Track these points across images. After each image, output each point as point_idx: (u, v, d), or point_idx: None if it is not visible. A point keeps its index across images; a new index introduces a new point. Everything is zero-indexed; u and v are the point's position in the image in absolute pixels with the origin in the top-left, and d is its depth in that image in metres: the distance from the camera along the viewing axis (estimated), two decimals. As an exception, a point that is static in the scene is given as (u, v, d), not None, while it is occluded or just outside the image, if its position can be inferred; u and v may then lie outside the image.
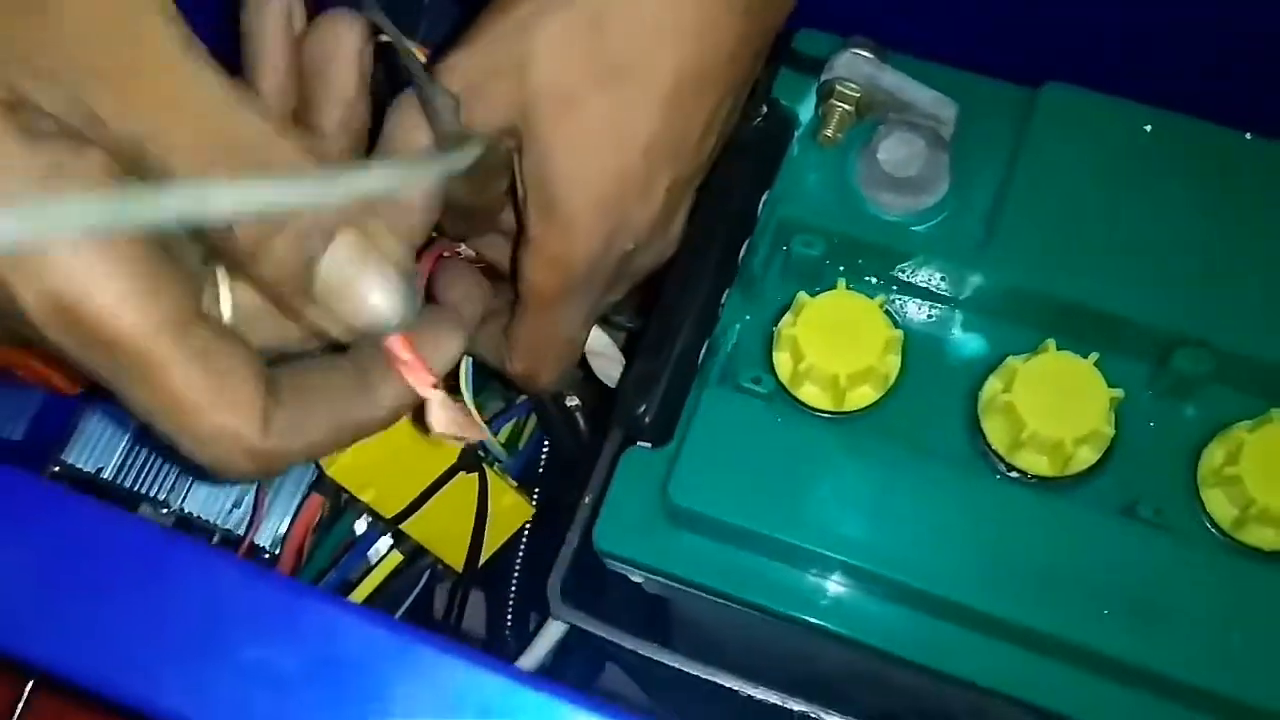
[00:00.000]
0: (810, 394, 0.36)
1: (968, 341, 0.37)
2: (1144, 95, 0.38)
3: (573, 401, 0.45)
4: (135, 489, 0.48)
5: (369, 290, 0.26)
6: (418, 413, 0.29)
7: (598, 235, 0.34)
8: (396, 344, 0.27)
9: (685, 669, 0.37)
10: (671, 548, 0.35)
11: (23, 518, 0.23)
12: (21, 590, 0.22)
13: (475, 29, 0.34)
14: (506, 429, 0.51)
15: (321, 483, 0.47)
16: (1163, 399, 0.36)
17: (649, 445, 0.37)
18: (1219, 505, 0.34)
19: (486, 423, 0.48)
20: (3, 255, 0.23)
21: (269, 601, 0.21)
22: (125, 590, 0.21)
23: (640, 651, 0.38)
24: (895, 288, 0.38)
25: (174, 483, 0.49)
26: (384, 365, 0.28)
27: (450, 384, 0.42)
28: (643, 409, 0.36)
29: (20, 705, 0.49)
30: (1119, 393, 0.34)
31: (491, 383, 0.50)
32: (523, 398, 0.50)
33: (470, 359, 0.46)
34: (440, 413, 0.28)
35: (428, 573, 0.50)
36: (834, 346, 0.35)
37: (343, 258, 0.26)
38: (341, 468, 0.44)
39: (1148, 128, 0.37)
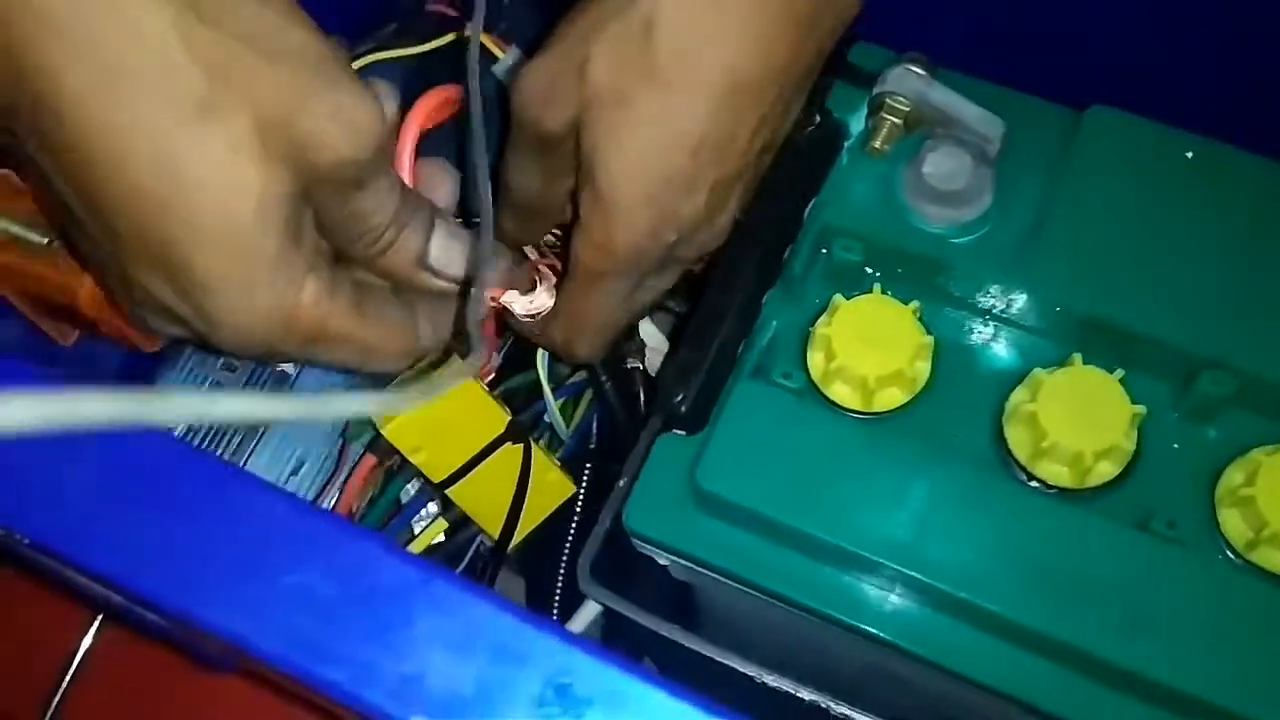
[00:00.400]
0: (840, 393, 0.37)
1: (999, 353, 0.39)
2: (1194, 124, 0.39)
3: (634, 364, 0.47)
4: (201, 449, 0.51)
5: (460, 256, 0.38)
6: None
7: (642, 226, 0.37)
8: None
9: (701, 650, 0.38)
10: (697, 532, 0.37)
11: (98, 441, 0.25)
12: (92, 508, 0.24)
13: (549, 39, 0.37)
14: (558, 405, 0.52)
15: (375, 445, 0.48)
16: (1187, 420, 0.37)
17: (684, 432, 0.38)
18: (1234, 526, 0.35)
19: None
20: None
21: (312, 531, 0.23)
22: (185, 513, 0.24)
23: (661, 632, 0.39)
24: (932, 296, 0.39)
25: (238, 448, 0.51)
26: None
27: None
28: (680, 397, 0.38)
29: (89, 639, 0.51)
30: (1141, 409, 0.35)
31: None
32: (575, 376, 0.52)
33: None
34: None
35: (474, 546, 0.52)
36: (865, 348, 0.37)
37: (444, 238, 0.38)
38: (395, 429, 0.46)
39: (1189, 154, 0.38)
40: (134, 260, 0.32)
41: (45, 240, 0.39)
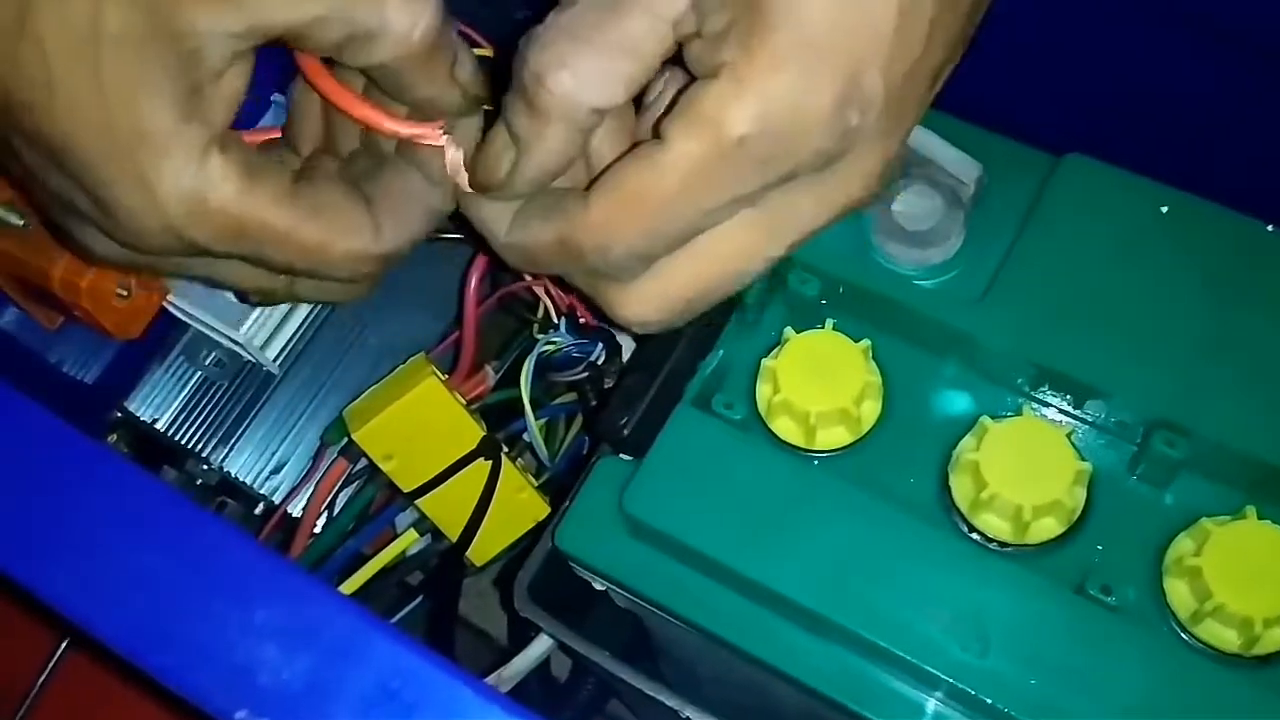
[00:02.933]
0: (784, 428, 0.37)
1: (954, 398, 0.37)
2: (1180, 175, 0.38)
3: None
4: (185, 444, 0.52)
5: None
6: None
7: (831, 80, 0.27)
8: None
9: (625, 677, 0.38)
10: (626, 558, 0.36)
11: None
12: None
13: None
14: (540, 425, 0.52)
15: (349, 449, 0.49)
16: (1141, 482, 0.35)
17: (628, 456, 0.38)
18: (1179, 597, 0.33)
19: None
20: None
21: (159, 512, 0.23)
22: (28, 480, 0.24)
23: (591, 656, 0.38)
24: (889, 336, 0.38)
25: (219, 443, 0.52)
26: (440, 162, 0.33)
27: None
28: (624, 420, 0.37)
29: (51, 663, 0.52)
30: (1087, 466, 0.34)
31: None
32: (561, 397, 0.52)
33: (533, 360, 0.48)
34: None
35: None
36: (811, 384, 0.36)
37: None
38: (366, 435, 0.46)
39: (1163, 208, 0.36)
40: (39, 162, 0.30)
41: (22, 223, 0.41)
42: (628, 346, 0.49)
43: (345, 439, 0.49)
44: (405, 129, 0.34)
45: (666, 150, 0.28)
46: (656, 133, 0.29)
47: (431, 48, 0.31)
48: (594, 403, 0.50)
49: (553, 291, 0.51)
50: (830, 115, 0.28)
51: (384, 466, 0.47)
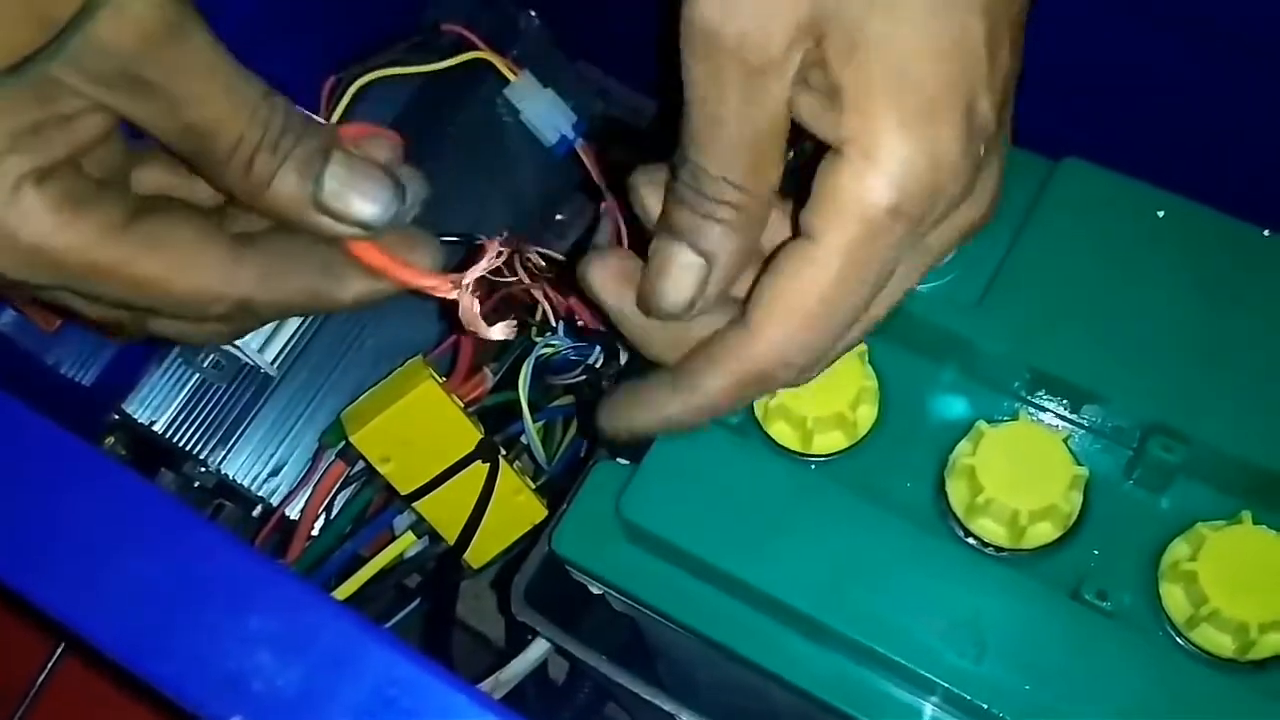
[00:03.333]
0: (781, 432, 0.37)
1: (950, 403, 0.37)
2: (1174, 183, 0.38)
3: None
4: (183, 446, 0.52)
5: (365, 196, 0.31)
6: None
7: (953, 119, 0.27)
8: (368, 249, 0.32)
9: (621, 681, 0.38)
10: (622, 562, 0.36)
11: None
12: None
13: None
14: (538, 428, 0.51)
15: (346, 452, 0.49)
16: (1138, 487, 0.35)
17: (626, 460, 0.38)
18: (1175, 601, 0.33)
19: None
20: None
21: (153, 517, 0.23)
22: (27, 487, 0.24)
23: (588, 660, 0.38)
24: (886, 339, 0.38)
25: (217, 445, 0.52)
26: (347, 256, 0.33)
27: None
28: (620, 424, 0.37)
29: (48, 667, 0.51)
30: (1084, 471, 0.34)
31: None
32: (558, 400, 0.52)
33: (532, 363, 0.48)
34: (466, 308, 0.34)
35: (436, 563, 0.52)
36: (806, 388, 0.36)
37: (341, 173, 0.31)
38: (364, 437, 0.46)
39: (1160, 213, 0.36)
40: None
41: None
42: (626, 350, 0.49)
43: (343, 441, 0.49)
44: (419, 281, 0.33)
45: (819, 245, 0.28)
46: (797, 229, 0.28)
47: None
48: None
49: (551, 295, 0.51)
50: (962, 154, 0.27)
51: (382, 469, 0.48)
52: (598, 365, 0.49)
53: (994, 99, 0.28)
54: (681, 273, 0.29)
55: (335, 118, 0.49)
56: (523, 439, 0.51)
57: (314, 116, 0.32)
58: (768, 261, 0.29)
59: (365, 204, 0.31)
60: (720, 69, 0.27)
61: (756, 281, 0.29)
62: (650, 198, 0.31)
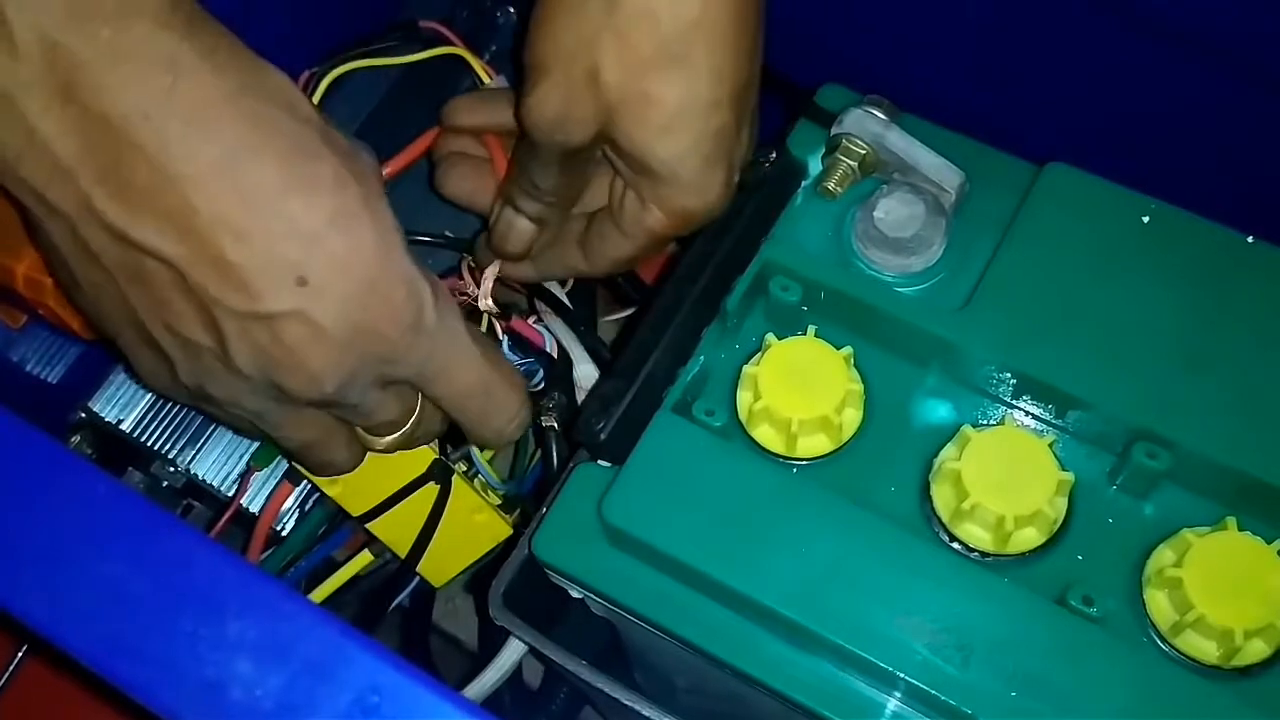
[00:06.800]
0: (764, 435, 0.36)
1: (935, 407, 0.37)
2: (1158, 188, 0.38)
3: (549, 423, 0.45)
4: (150, 445, 0.51)
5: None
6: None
7: (716, 186, 0.38)
8: None
9: (599, 685, 0.37)
10: (603, 566, 0.36)
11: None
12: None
13: (537, 60, 0.37)
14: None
15: (292, 472, 0.47)
16: (1122, 493, 0.35)
17: (606, 463, 0.37)
18: (1160, 608, 0.33)
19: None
20: None
21: (129, 520, 0.23)
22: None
23: (566, 664, 0.38)
24: (871, 343, 0.38)
25: (185, 445, 0.51)
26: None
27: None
28: (600, 425, 0.37)
29: (10, 670, 0.50)
30: (1070, 476, 0.34)
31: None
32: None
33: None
34: None
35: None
36: (792, 391, 0.35)
37: None
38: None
39: (1145, 218, 0.36)
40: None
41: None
42: (580, 366, 0.47)
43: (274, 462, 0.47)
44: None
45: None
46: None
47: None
48: (543, 422, 0.48)
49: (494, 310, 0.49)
50: (725, 192, 0.40)
51: (329, 491, 0.46)
52: (543, 386, 0.47)
53: (743, 158, 0.40)
54: (519, 233, 0.43)
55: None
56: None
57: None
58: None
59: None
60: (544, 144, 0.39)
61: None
62: (464, 111, 0.47)
